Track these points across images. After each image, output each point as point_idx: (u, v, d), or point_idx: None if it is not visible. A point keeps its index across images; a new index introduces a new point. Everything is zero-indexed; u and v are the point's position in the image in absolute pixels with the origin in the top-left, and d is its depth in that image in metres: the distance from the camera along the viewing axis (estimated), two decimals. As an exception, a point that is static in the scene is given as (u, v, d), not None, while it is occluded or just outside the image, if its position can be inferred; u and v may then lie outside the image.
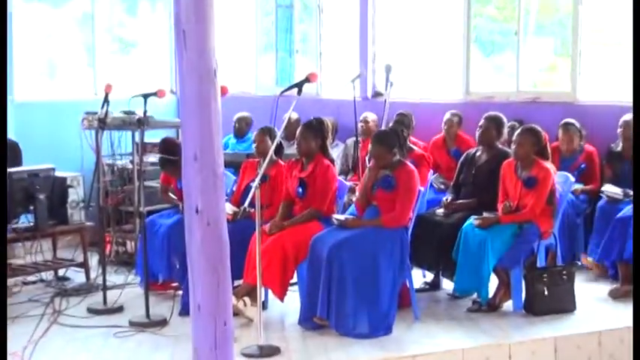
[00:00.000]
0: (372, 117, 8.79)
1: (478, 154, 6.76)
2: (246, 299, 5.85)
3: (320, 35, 10.19)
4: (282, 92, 5.75)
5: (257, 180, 5.32)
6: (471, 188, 6.59)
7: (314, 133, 6.23)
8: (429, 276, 6.83)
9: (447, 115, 8.58)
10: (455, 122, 8.56)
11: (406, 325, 5.84)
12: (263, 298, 5.84)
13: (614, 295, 6.44)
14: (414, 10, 9.81)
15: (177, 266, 6.39)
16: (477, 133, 6.75)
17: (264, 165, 5.55)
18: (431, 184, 7.58)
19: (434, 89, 9.59)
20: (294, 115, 8.96)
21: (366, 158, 6.57)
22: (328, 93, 10.00)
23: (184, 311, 5.90)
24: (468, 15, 8.99)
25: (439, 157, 8.48)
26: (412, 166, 6.09)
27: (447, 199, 6.62)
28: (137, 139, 7.41)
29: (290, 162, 6.44)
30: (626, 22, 8.39)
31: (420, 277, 6.81)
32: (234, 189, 6.88)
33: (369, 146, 6.18)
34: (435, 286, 6.76)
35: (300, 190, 6.18)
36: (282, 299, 5.97)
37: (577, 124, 7.78)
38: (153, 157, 8.26)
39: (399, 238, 5.83)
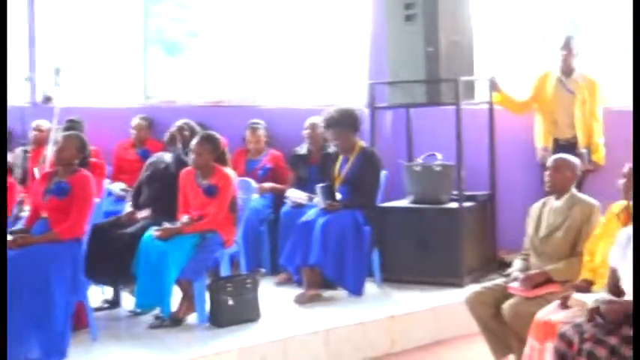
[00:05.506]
0: (47, 125, 8.63)
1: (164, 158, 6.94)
2: None
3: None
4: None
5: None
6: (149, 194, 6.71)
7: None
8: (109, 292, 6.83)
9: (136, 120, 8.68)
10: (144, 126, 8.70)
11: (83, 347, 5.77)
12: None
13: (300, 301, 6.76)
14: (89, 10, 9.75)
15: None
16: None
17: None
18: (110, 192, 7.60)
19: (113, 93, 9.60)
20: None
21: (35, 170, 6.46)
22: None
23: None
24: (145, 14, 9.11)
25: (126, 163, 8.56)
26: (88, 173, 6.07)
27: (124, 214, 6.69)
28: None
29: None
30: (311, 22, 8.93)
31: (98, 295, 6.79)
32: None
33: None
34: (115, 303, 6.75)
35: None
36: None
37: (264, 124, 8.21)
38: None
39: (70, 252, 5.76)
